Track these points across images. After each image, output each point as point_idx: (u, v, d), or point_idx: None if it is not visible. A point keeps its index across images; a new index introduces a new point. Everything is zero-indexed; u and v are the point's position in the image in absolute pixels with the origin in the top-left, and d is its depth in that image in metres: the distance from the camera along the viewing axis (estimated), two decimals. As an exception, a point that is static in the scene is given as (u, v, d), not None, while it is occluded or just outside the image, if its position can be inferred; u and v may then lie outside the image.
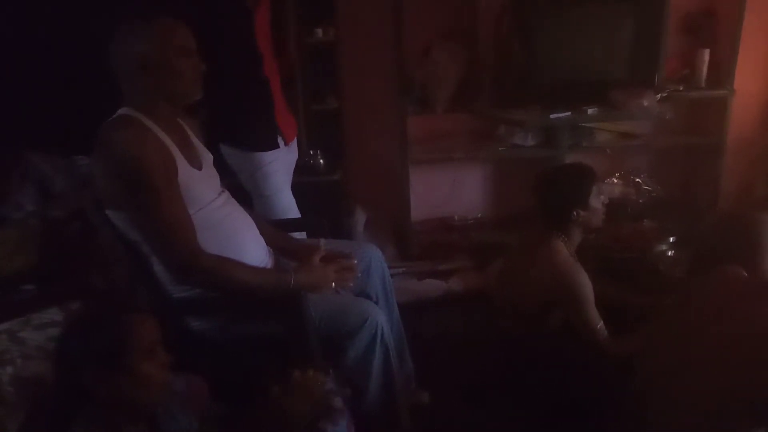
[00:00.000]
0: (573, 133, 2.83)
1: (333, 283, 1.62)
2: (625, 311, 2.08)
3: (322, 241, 1.76)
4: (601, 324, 1.83)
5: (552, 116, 2.62)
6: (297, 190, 2.42)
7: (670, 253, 2.71)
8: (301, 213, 2.32)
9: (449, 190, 3.15)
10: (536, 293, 1.88)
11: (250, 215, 1.75)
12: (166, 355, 1.16)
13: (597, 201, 1.90)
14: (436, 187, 3.12)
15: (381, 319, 1.60)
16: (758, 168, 2.89)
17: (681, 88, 2.78)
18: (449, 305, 2.64)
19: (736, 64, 2.73)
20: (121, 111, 1.52)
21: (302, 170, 2.60)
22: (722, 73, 2.78)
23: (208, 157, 1.69)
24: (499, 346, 2.04)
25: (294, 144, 2.36)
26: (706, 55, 2.78)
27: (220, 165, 1.88)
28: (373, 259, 1.90)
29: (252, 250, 1.64)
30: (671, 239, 2.72)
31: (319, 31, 2.77)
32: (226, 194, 1.71)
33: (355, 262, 1.69)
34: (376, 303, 1.82)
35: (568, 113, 2.63)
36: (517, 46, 2.61)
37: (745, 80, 2.80)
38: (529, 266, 1.94)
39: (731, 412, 1.31)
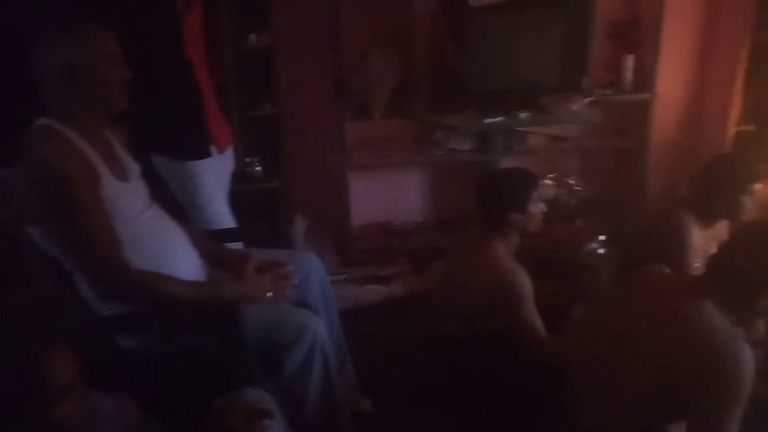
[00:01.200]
0: (507, 137, 2.90)
1: (269, 294, 1.60)
2: (560, 310, 2.15)
3: (255, 251, 1.73)
4: (539, 323, 1.88)
5: (486, 121, 2.68)
6: (234, 198, 2.37)
7: (600, 252, 2.82)
8: (238, 222, 2.27)
9: (389, 195, 3.16)
10: (476, 295, 1.91)
11: (182, 227, 1.70)
12: (83, 389, 1.08)
13: (536, 207, 1.95)
14: (375, 192, 3.13)
15: (320, 329, 1.59)
16: (681, 169, 3.04)
17: (608, 93, 2.90)
18: (391, 310, 2.65)
19: (657, 69, 2.86)
20: (41, 121, 1.46)
21: (239, 178, 2.55)
22: (646, 77, 2.91)
23: (135, 169, 1.64)
24: (441, 349, 2.06)
25: (229, 151, 2.31)
26: (631, 60, 2.91)
27: (152, 175, 1.82)
28: (311, 267, 1.88)
29: (184, 263, 1.60)
30: (601, 238, 2.84)
31: (254, 37, 2.73)
32: (156, 206, 1.66)
33: (291, 270, 1.67)
34: (316, 312, 1.80)
35: (502, 118, 2.70)
36: (450, 52, 2.65)
37: (666, 84, 2.94)
38: (469, 269, 1.97)
39: (654, 406, 1.38)
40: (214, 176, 2.17)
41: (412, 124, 2.96)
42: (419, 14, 2.73)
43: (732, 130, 2.84)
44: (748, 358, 1.30)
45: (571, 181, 3.14)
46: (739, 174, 2.03)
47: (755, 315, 1.47)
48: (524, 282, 1.85)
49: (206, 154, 2.11)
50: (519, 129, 2.89)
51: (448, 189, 3.17)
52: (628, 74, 2.91)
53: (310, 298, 1.84)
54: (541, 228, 2.05)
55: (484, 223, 1.98)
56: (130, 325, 1.54)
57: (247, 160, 2.82)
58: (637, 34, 2.95)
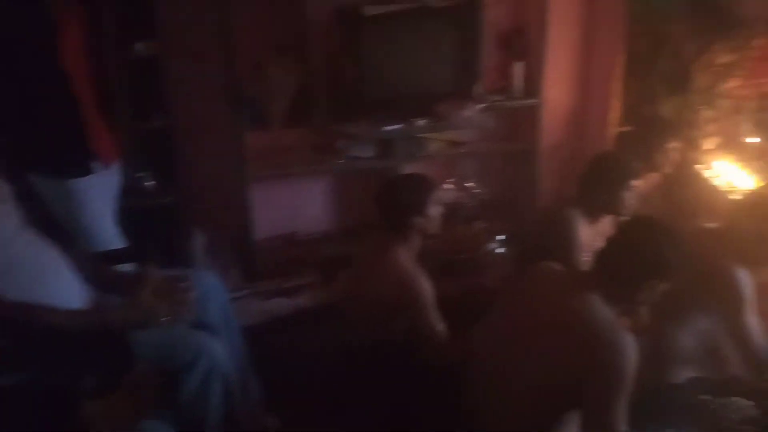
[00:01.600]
0: (407, 144, 2.94)
1: (164, 317, 1.52)
2: (462, 311, 2.21)
3: (153, 270, 1.64)
4: (441, 326, 1.92)
5: (385, 129, 2.71)
6: (125, 216, 2.24)
7: (499, 251, 2.93)
8: (129, 242, 2.15)
9: (292, 206, 3.12)
10: (380, 301, 1.93)
11: (65, 251, 1.58)
12: None
13: (435, 210, 2.01)
14: (278, 203, 3.07)
15: (217, 351, 1.54)
16: (569, 168, 3.21)
17: (499, 99, 3.02)
18: (299, 323, 2.61)
19: (544, 75, 3.02)
20: None
21: (129, 194, 2.41)
22: (533, 84, 3.06)
23: (4, 191, 1.50)
24: (351, 358, 2.06)
25: (116, 167, 2.18)
26: (520, 67, 3.04)
27: (30, 197, 1.68)
28: (209, 286, 1.82)
29: (64, 290, 1.49)
30: (500, 238, 2.95)
31: (141, 46, 2.59)
32: (32, 231, 1.53)
33: (189, 291, 1.60)
34: (215, 332, 1.73)
35: (400, 125, 2.74)
36: (346, 61, 2.66)
37: (553, 90, 3.11)
38: (373, 275, 1.98)
39: (549, 400, 1.44)
40: (98, 194, 2.04)
41: (313, 133, 2.93)
42: (314, 22, 2.71)
43: (612, 131, 3.04)
44: (631, 347, 1.39)
45: (469, 185, 3.23)
46: (619, 171, 2.18)
47: (638, 305, 1.58)
48: (424, 286, 1.89)
49: (87, 171, 1.98)
50: (418, 135, 2.94)
51: (352, 196, 3.17)
52: (518, 81, 3.04)
53: (209, 318, 1.77)
54: (442, 231, 2.11)
55: (386, 228, 2.01)
56: (3, 361, 1.41)
57: (139, 174, 2.67)
58: (524, 43, 3.09)
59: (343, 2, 2.62)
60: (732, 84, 2.76)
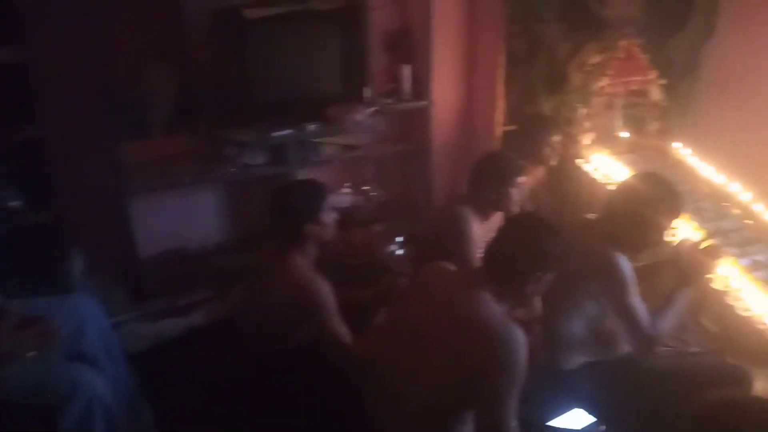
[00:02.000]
0: (301, 149, 2.89)
1: (29, 352, 1.37)
2: (365, 314, 2.20)
3: (14, 303, 1.48)
4: (344, 330, 1.90)
5: (274, 134, 2.64)
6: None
7: (399, 253, 2.95)
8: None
9: (181, 218, 2.96)
10: (280, 310, 1.88)
11: None
12: None
13: (328, 216, 1.97)
14: (165, 216, 2.90)
15: (97, 382, 1.42)
16: (461, 168, 3.31)
17: (390, 101, 3.04)
18: (193, 342, 2.47)
19: (431, 77, 3.08)
20: None
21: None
22: (422, 86, 3.11)
23: None
24: (251, 371, 1.99)
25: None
26: (408, 70, 3.08)
27: None
28: (86, 313, 1.67)
29: None
30: (399, 239, 2.97)
31: (5, 52, 2.35)
32: None
33: (57, 322, 1.45)
34: (95, 362, 1.60)
35: (290, 131, 2.68)
36: (230, 65, 2.56)
37: (441, 92, 3.18)
38: (270, 284, 1.93)
39: (447, 399, 1.45)
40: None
41: (200, 140, 2.80)
42: (193, 26, 2.59)
43: (499, 129, 3.16)
44: (521, 341, 1.42)
45: (366, 188, 3.23)
46: (505, 169, 2.26)
47: (527, 298, 1.64)
48: (324, 291, 1.86)
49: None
50: (311, 140, 2.89)
51: (245, 205, 3.06)
52: (407, 83, 3.08)
53: (87, 347, 1.63)
54: (340, 235, 2.09)
55: (280, 236, 1.96)
56: None
57: (3, 192, 2.42)
58: (411, 46, 3.14)
59: (221, 5, 2.52)
60: (603, 83, 2.95)
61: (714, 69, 3.34)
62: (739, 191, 2.69)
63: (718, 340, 2.32)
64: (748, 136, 3.17)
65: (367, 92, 2.89)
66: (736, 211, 2.64)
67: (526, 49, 3.19)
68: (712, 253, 1.94)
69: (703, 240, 1.99)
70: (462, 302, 1.50)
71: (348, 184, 3.22)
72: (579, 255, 1.82)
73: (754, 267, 2.36)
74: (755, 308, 2.22)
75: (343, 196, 3.18)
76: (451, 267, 1.71)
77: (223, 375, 2.12)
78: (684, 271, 1.91)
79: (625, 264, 1.83)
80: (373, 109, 2.88)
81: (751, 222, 2.59)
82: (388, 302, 2.23)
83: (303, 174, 2.78)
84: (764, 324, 2.17)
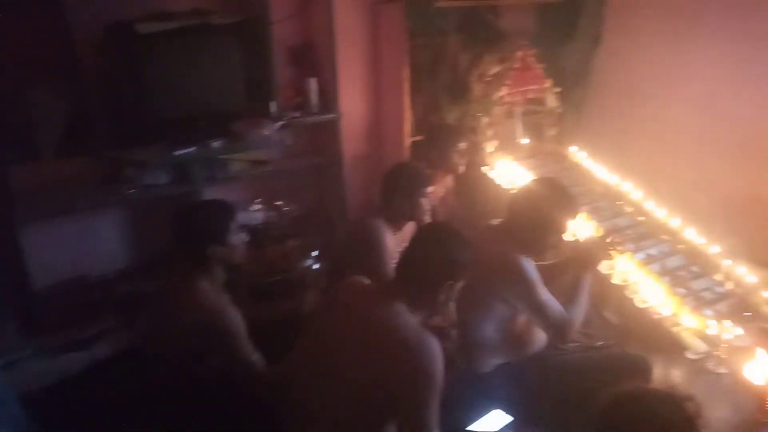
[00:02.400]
0: (206, 166, 2.79)
1: None
2: (282, 333, 2.15)
3: None
4: (257, 356, 1.83)
5: (176, 153, 2.54)
6: None
7: (315, 267, 2.91)
8: None
9: (80, 245, 2.77)
10: (187, 338, 1.79)
11: None
12: None
13: (236, 237, 1.90)
14: (62, 244, 2.71)
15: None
16: (373, 179, 3.32)
17: (298, 115, 3.01)
18: (96, 375, 2.31)
19: (338, 90, 3.08)
20: None
21: None
22: (329, 99, 3.11)
23: None
24: (161, 403, 1.88)
25: None
26: (314, 83, 3.07)
27: None
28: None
29: None
30: (314, 254, 2.93)
31: None
32: None
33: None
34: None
35: (193, 148, 2.59)
36: (124, 82, 2.44)
37: (348, 104, 3.18)
38: (176, 311, 1.83)
39: (368, 414, 1.44)
40: None
41: (94, 162, 2.64)
42: (83, 41, 2.45)
43: (408, 140, 3.20)
44: (436, 350, 1.44)
45: (278, 203, 3.17)
46: (414, 179, 2.29)
47: (441, 306, 1.66)
48: (233, 318, 1.79)
49: None
50: (216, 157, 2.80)
51: (150, 228, 2.91)
52: (314, 97, 3.07)
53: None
54: (254, 253, 2.03)
55: (185, 260, 1.87)
56: None
57: None
58: (316, 59, 3.13)
59: (113, 19, 2.39)
60: (502, 92, 3.07)
61: (603, 76, 3.57)
62: (631, 190, 2.88)
63: (620, 332, 2.46)
64: (637, 137, 3.40)
65: (274, 106, 2.84)
66: (629, 209, 2.83)
67: (429, 61, 3.28)
68: (607, 244, 2.06)
69: (600, 235, 2.11)
70: (377, 316, 1.50)
71: (259, 201, 3.15)
72: (487, 260, 1.87)
73: (648, 261, 2.53)
74: (651, 299, 2.38)
75: (255, 213, 3.11)
76: (366, 281, 1.70)
77: (131, 409, 1.99)
78: (583, 256, 2.02)
79: (529, 265, 1.90)
80: (280, 123, 2.84)
81: (643, 218, 2.77)
82: (306, 319, 2.19)
83: (210, 192, 2.69)
84: (660, 314, 2.32)
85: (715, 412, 1.99)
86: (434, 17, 3.13)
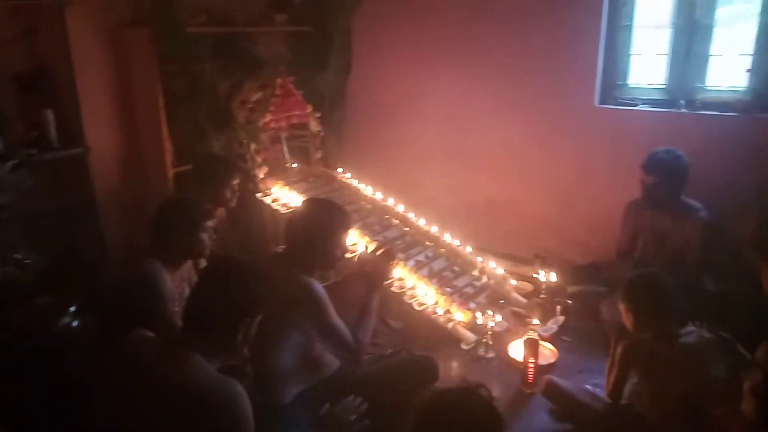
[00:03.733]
0: None
1: None
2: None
3: None
4: None
5: None
6: None
7: (76, 324, 2.54)
8: None
9: None
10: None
11: None
12: None
13: None
14: None
15: None
16: (136, 216, 3.03)
17: (34, 152, 2.60)
18: None
19: (82, 122, 2.75)
20: None
21: None
22: (73, 131, 2.76)
23: None
24: None
25: None
26: (50, 114, 2.69)
27: None
28: None
29: None
30: (72, 309, 2.55)
31: None
32: None
33: None
34: None
35: None
36: None
37: (97, 136, 2.86)
38: None
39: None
40: None
41: None
42: None
43: (170, 172, 3.00)
44: (242, 395, 1.36)
45: (17, 256, 2.69)
46: (194, 214, 2.14)
47: (241, 345, 1.55)
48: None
49: None
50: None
51: None
52: (52, 130, 2.69)
53: None
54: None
55: None
56: None
57: None
58: (53, 87, 2.75)
59: None
60: (267, 118, 3.07)
61: (357, 101, 3.83)
62: (395, 204, 3.13)
63: (405, 337, 2.64)
64: (393, 154, 3.71)
65: (3, 143, 2.42)
66: (396, 222, 3.06)
67: (186, 88, 3.13)
68: (388, 255, 2.19)
69: (378, 247, 2.23)
70: (171, 376, 1.35)
71: (-8, 256, 2.64)
72: (276, 288, 1.84)
73: (418, 266, 2.78)
74: (427, 301, 2.61)
75: (-16, 272, 2.59)
76: (149, 333, 1.52)
77: None
78: (369, 277, 2.11)
79: (318, 286, 1.93)
80: (11, 162, 2.43)
81: (408, 229, 3.03)
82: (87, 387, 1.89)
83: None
84: (436, 313, 2.56)
85: (492, 392, 2.25)
86: (186, 43, 3.01)
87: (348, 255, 2.23)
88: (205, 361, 1.39)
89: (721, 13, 2.82)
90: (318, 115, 3.37)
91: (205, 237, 2.12)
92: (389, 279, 2.28)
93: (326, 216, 2.00)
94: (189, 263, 2.26)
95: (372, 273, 2.12)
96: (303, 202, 2.19)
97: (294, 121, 3.26)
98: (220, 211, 2.82)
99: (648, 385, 1.94)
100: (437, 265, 2.86)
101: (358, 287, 2.22)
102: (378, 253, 2.17)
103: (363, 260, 2.19)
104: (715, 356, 1.92)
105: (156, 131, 2.98)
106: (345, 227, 2.03)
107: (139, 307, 1.95)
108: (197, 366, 1.37)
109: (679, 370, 1.86)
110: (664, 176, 2.58)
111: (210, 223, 2.15)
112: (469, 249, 2.97)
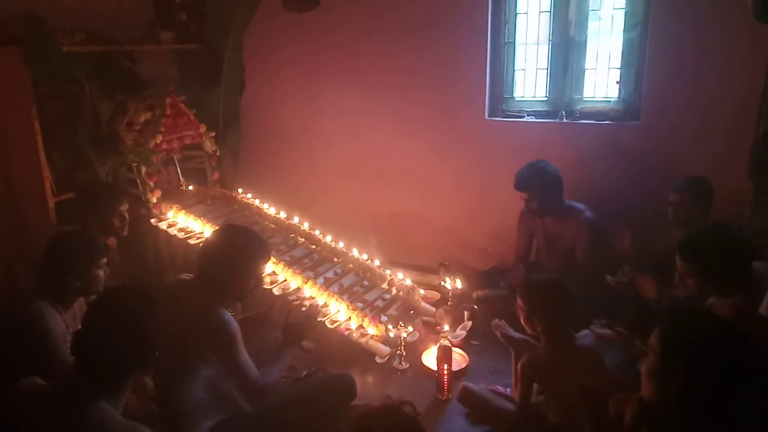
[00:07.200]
0: None
1: None
2: None
3: None
4: None
5: None
6: None
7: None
8: None
9: None
10: None
11: None
12: None
13: None
14: None
15: None
16: (12, 253, 2.74)
17: None
18: None
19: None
20: None
21: None
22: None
23: None
24: None
25: None
26: None
27: None
28: None
29: None
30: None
31: None
32: None
33: None
34: None
35: None
36: None
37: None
38: None
39: None
40: None
41: None
42: None
43: (51, 202, 2.76)
44: None
45: None
46: (88, 250, 1.98)
47: (141, 383, 1.45)
48: None
49: None
50: None
51: None
52: None
53: None
54: None
55: None
56: None
57: None
58: None
59: None
60: (157, 140, 2.91)
61: (252, 119, 3.75)
62: (300, 222, 3.08)
63: (319, 357, 2.59)
64: (292, 174, 3.67)
65: None
66: (301, 240, 3.01)
67: (63, 111, 2.89)
68: (313, 314, 2.15)
69: (302, 303, 2.15)
70: (73, 424, 1.22)
71: None
72: (183, 317, 1.74)
73: (327, 283, 2.74)
74: (339, 318, 2.58)
75: None
76: (40, 381, 1.38)
77: None
78: (289, 330, 2.05)
79: (230, 319, 1.83)
80: None
81: (315, 246, 2.99)
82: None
83: None
84: (349, 329, 2.54)
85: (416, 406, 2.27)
86: (61, 63, 2.77)
87: (261, 286, 2.14)
88: (109, 407, 1.28)
89: (592, 27, 3.08)
90: (212, 134, 3.25)
91: (100, 273, 1.97)
92: (307, 338, 2.21)
93: (243, 244, 1.91)
94: (80, 299, 2.09)
95: (293, 327, 2.06)
96: (219, 228, 2.07)
97: (187, 141, 3.12)
98: (111, 241, 2.63)
99: (549, 394, 2.00)
100: (347, 280, 2.85)
101: (271, 325, 2.17)
102: (302, 309, 2.11)
103: (280, 309, 2.16)
104: (609, 349, 2.04)
105: (33, 159, 2.72)
106: (263, 257, 1.95)
107: (23, 352, 1.77)
108: (101, 415, 1.25)
109: (578, 377, 1.91)
110: (532, 190, 2.76)
111: (105, 259, 2.00)
112: (377, 262, 2.98)
